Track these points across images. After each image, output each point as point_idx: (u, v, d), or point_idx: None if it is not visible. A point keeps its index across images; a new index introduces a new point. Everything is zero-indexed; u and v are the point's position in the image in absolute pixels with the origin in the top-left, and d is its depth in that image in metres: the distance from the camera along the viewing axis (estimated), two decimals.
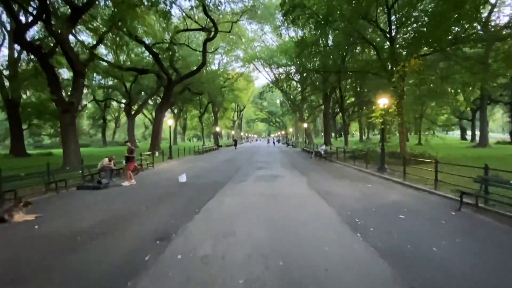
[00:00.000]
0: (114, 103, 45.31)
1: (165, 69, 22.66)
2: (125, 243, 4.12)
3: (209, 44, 25.65)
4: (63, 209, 6.37)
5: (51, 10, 13.49)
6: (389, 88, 13.56)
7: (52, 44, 15.47)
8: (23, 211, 5.68)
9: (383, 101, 11.38)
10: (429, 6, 13.93)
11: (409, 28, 15.35)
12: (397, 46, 15.14)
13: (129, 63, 27.71)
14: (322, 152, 18.32)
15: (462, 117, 35.35)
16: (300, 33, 25.53)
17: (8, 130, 24.98)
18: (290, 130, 62.95)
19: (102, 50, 28.28)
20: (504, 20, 19.94)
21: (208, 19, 21.62)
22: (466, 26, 13.31)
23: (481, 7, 13.69)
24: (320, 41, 21.47)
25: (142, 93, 36.70)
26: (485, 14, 17.29)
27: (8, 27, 23.02)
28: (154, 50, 21.44)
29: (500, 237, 4.20)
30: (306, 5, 15.48)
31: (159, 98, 33.48)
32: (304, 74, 31.97)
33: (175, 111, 45.63)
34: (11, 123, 22.67)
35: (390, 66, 14.61)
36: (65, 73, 28.15)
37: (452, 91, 22.91)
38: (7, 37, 23.54)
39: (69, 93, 16.34)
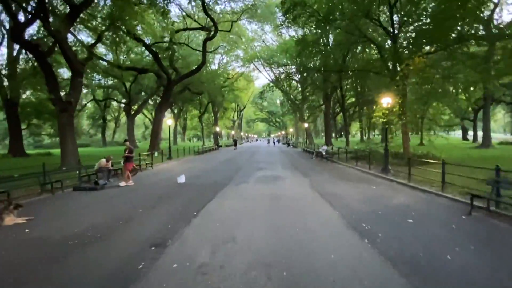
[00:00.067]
0: (114, 103, 45.11)
1: (165, 68, 22.44)
2: (117, 249, 3.88)
3: (209, 44, 25.41)
4: (57, 212, 6.14)
5: (49, 8, 13.30)
6: (392, 87, 13.32)
7: (51, 43, 15.27)
8: (14, 213, 5.46)
9: (387, 100, 11.12)
10: (431, 5, 13.69)
11: (411, 27, 15.10)
12: (400, 44, 14.90)
13: (128, 62, 27.52)
14: (324, 153, 18.07)
15: (464, 117, 35.04)
16: (300, 32, 25.29)
17: (7, 130, 24.75)
18: (291, 130, 62.74)
19: (101, 49, 28.15)
20: (506, 18, 19.69)
21: (208, 18, 21.40)
22: (469, 25, 13.06)
23: (484, 6, 13.46)
24: (321, 40, 21.24)
25: (142, 93, 36.52)
26: (487, 13, 17.05)
27: (7, 26, 22.81)
28: (154, 49, 21.22)
29: None
30: (307, 3, 15.24)
31: (159, 98, 33.26)
32: (305, 74, 31.72)
33: (175, 111, 45.40)
34: (9, 123, 22.43)
35: (392, 65, 14.37)
36: (65, 73, 27.99)
37: (454, 91, 22.63)
38: (6, 36, 23.33)
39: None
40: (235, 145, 37.26)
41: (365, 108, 34.84)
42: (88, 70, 23.64)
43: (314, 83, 31.47)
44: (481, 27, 14.53)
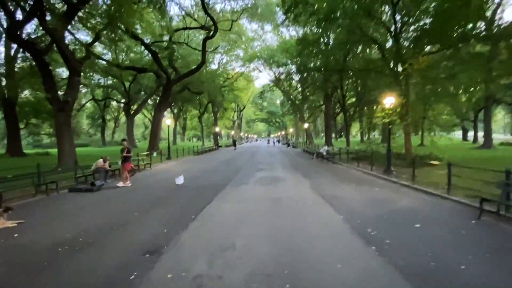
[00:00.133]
0: (114, 103, 44.87)
1: (164, 68, 22.23)
2: (110, 256, 3.65)
3: (209, 43, 25.19)
4: (50, 214, 5.92)
5: (46, 6, 13.06)
6: (394, 87, 13.12)
7: (48, 42, 15.04)
8: (4, 217, 5.23)
9: (389, 101, 10.89)
10: (433, 5, 13.47)
11: (412, 27, 14.89)
12: (402, 43, 14.68)
13: (128, 62, 27.29)
14: (324, 153, 17.84)
15: (464, 117, 34.86)
16: (301, 31, 25.09)
17: (5, 129, 24.51)
18: (291, 130, 62.53)
19: (101, 49, 27.88)
20: (507, 18, 19.53)
21: (208, 17, 21.18)
22: (472, 24, 12.86)
23: (486, 5, 13.28)
24: (322, 40, 21.03)
25: (142, 92, 36.29)
26: (487, 14, 16.87)
27: (5, 25, 22.57)
28: (153, 48, 21.00)
29: None
30: (308, 1, 15.02)
31: (158, 97, 33.07)
32: (305, 74, 31.48)
33: (175, 111, 45.17)
34: (7, 123, 22.24)
35: (393, 65, 14.16)
36: (65, 73, 27.73)
37: (455, 91, 22.41)
38: (3, 34, 23.07)
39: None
40: (235, 145, 37.02)
41: (365, 108, 34.63)
42: (87, 70, 23.40)
43: (314, 83, 31.24)
44: (483, 27, 14.36)
